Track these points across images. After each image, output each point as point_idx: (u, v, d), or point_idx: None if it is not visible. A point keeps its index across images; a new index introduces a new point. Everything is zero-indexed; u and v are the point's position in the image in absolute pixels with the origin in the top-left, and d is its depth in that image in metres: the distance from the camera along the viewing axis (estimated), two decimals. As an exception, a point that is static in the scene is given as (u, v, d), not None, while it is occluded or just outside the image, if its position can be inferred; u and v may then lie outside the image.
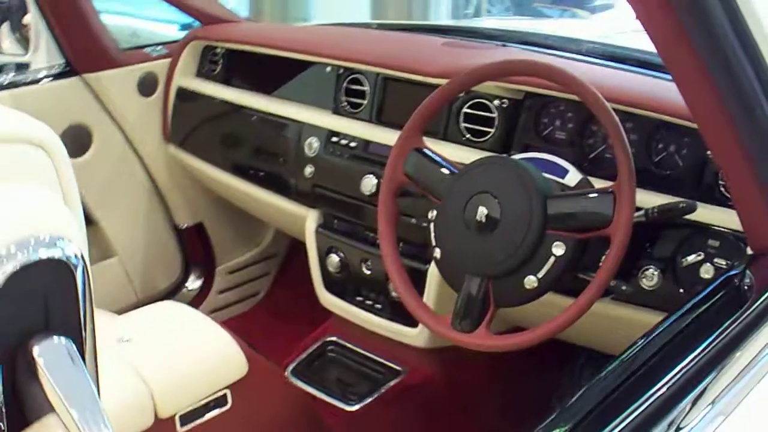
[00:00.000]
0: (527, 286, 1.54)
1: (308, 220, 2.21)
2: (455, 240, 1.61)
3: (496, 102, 1.90)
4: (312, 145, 2.16)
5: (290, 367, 2.23)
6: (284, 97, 2.35)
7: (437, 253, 1.66)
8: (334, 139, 2.13)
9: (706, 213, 1.56)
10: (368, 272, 2.11)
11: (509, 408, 2.28)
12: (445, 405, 2.15)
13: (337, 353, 2.27)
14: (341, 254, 2.15)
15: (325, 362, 2.27)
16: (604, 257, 1.58)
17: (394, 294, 2.04)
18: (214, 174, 2.48)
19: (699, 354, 1.04)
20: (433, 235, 1.67)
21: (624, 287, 1.63)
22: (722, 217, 1.57)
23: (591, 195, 1.53)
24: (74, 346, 0.75)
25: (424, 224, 1.84)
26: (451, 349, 2.07)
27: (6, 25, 2.68)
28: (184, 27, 4.38)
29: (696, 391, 0.99)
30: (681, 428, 0.95)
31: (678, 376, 1.00)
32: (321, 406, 2.08)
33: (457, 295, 1.61)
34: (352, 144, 2.09)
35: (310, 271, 2.27)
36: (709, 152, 1.61)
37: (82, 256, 0.75)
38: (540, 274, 1.52)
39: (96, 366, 0.77)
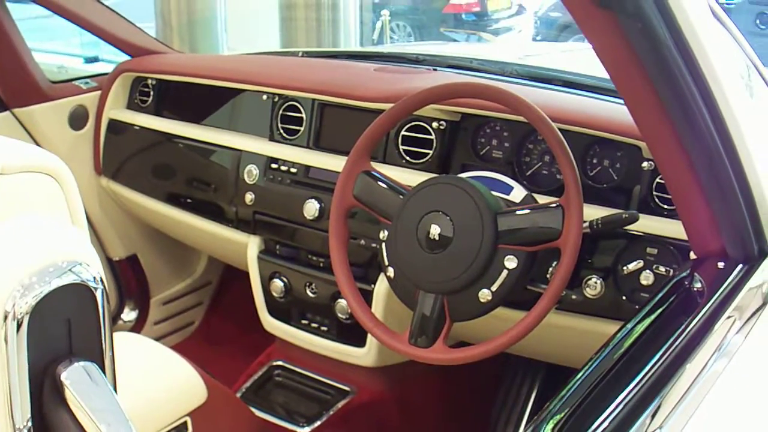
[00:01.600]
0: (482, 300, 1.60)
1: (250, 247, 2.23)
2: (409, 258, 1.66)
3: (435, 124, 1.95)
4: (252, 172, 2.18)
5: (239, 394, 2.24)
6: (217, 126, 2.37)
7: (390, 272, 1.70)
8: (274, 165, 2.16)
9: (643, 223, 1.63)
10: (313, 295, 2.14)
11: (454, 420, 2.34)
12: (393, 422, 2.19)
13: (284, 377, 2.29)
14: (284, 279, 2.18)
15: (273, 386, 2.29)
16: (553, 268, 1.65)
17: (340, 315, 2.08)
18: (148, 204, 2.48)
19: (661, 357, 1.09)
20: (385, 254, 1.71)
21: (574, 296, 1.70)
22: (658, 226, 1.65)
23: (540, 210, 1.59)
24: (98, 368, 0.77)
25: (373, 245, 1.89)
26: (398, 367, 2.12)
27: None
28: (87, 60, 4.34)
29: (663, 393, 1.04)
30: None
31: (646, 378, 1.05)
32: (273, 430, 2.10)
33: (413, 313, 1.65)
34: (293, 170, 2.12)
35: (253, 297, 2.29)
36: (644, 165, 1.70)
37: (101, 279, 0.78)
38: (494, 287, 1.58)
39: (116, 387, 0.79)
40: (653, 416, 1.01)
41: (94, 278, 0.77)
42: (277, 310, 2.24)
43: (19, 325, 0.72)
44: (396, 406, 2.19)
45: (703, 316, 1.18)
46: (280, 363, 2.31)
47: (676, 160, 1.27)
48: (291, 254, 2.19)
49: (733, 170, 1.25)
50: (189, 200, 2.37)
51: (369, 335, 2.05)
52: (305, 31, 5.95)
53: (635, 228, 1.65)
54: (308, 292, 2.14)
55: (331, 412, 2.15)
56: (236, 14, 6.56)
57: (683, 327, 1.15)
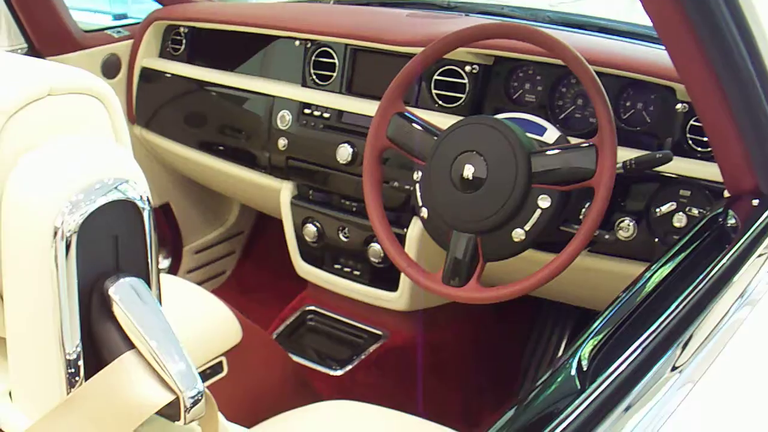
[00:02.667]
0: (515, 239, 1.61)
1: (283, 193, 2.25)
2: (443, 199, 1.66)
3: (467, 68, 1.95)
4: (285, 118, 2.19)
5: (272, 337, 2.27)
6: (250, 73, 2.38)
7: (424, 212, 1.71)
8: (307, 111, 2.16)
9: (676, 165, 1.63)
10: (345, 240, 2.15)
11: (484, 363, 2.36)
12: (425, 365, 2.21)
13: (316, 321, 2.32)
14: (317, 224, 2.19)
15: (306, 331, 2.31)
16: (586, 208, 1.65)
17: (373, 259, 2.10)
18: (182, 152, 2.50)
19: (694, 289, 1.10)
20: (419, 195, 1.72)
21: (607, 236, 1.70)
22: (692, 168, 1.65)
23: (573, 149, 1.59)
24: (145, 284, 0.79)
25: (407, 187, 1.89)
26: (430, 311, 2.14)
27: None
28: (116, 17, 4.34)
29: (695, 325, 1.05)
30: (677, 367, 1.00)
31: (675, 313, 1.06)
32: (306, 373, 2.12)
33: (447, 253, 1.66)
34: (326, 115, 2.13)
35: (285, 246, 2.31)
36: (678, 107, 1.70)
37: (148, 199, 0.79)
38: (527, 227, 1.59)
39: (161, 304, 0.81)
40: (681, 351, 1.01)
41: (141, 197, 0.78)
42: (310, 255, 2.26)
43: (68, 241, 0.74)
44: (428, 349, 2.21)
45: (737, 250, 1.19)
46: (312, 308, 2.33)
47: (713, 99, 1.27)
48: (324, 199, 2.20)
49: None
50: (222, 147, 2.39)
51: (401, 279, 2.07)
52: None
53: (668, 170, 1.65)
54: (341, 236, 2.16)
55: (363, 356, 2.18)
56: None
57: (717, 261, 1.16)
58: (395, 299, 2.10)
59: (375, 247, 2.08)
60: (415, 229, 1.99)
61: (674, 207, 1.66)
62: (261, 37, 2.34)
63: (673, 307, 1.05)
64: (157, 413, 0.75)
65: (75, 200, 0.74)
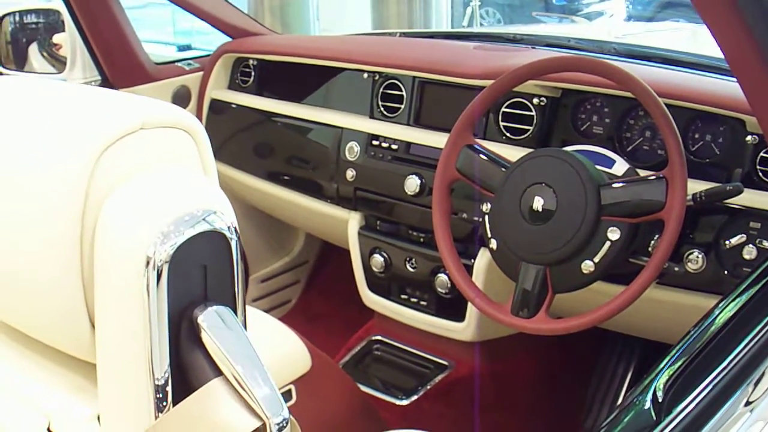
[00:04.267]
0: (584, 271, 1.61)
1: (350, 223, 2.27)
2: (512, 230, 1.67)
3: (535, 100, 1.96)
4: (353, 149, 2.22)
5: (339, 366, 2.28)
6: (317, 104, 2.41)
7: (493, 244, 1.72)
8: (375, 142, 2.19)
9: (746, 197, 1.62)
10: (413, 270, 2.17)
11: (549, 395, 2.35)
12: (490, 397, 2.21)
13: (382, 351, 2.33)
14: (384, 254, 2.21)
15: (372, 360, 2.33)
16: (655, 241, 1.65)
17: (440, 290, 2.11)
18: (250, 182, 2.53)
19: (765, 327, 1.09)
20: (488, 226, 1.73)
21: (676, 268, 1.69)
22: (762, 200, 1.64)
23: (643, 182, 1.59)
24: (232, 312, 0.81)
25: (475, 218, 1.90)
26: (495, 342, 2.14)
27: (34, 45, 2.75)
28: (180, 48, 4.43)
29: (763, 367, 1.04)
30: (750, 403, 0.99)
31: (751, 345, 1.05)
32: (373, 402, 2.14)
33: (516, 284, 1.67)
34: (393, 146, 2.15)
35: (349, 276, 2.33)
36: (748, 138, 1.69)
37: (235, 229, 0.81)
38: (596, 259, 1.59)
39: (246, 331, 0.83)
40: (754, 387, 1.01)
41: (228, 227, 0.81)
42: (376, 285, 2.28)
43: (159, 271, 0.76)
44: (493, 381, 2.21)
45: None
46: (378, 337, 2.35)
47: None
48: (391, 230, 2.22)
49: None
50: (289, 177, 2.42)
51: (468, 310, 2.08)
52: (397, 12, 5.99)
53: (738, 202, 1.64)
54: (408, 267, 2.17)
55: (429, 386, 2.18)
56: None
57: None
58: (462, 329, 2.11)
59: (442, 277, 2.09)
60: (482, 260, 2.00)
61: (744, 239, 1.65)
62: (328, 69, 2.38)
63: (745, 341, 1.05)
64: None
65: (166, 231, 0.77)
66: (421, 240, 2.15)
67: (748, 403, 0.97)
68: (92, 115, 0.83)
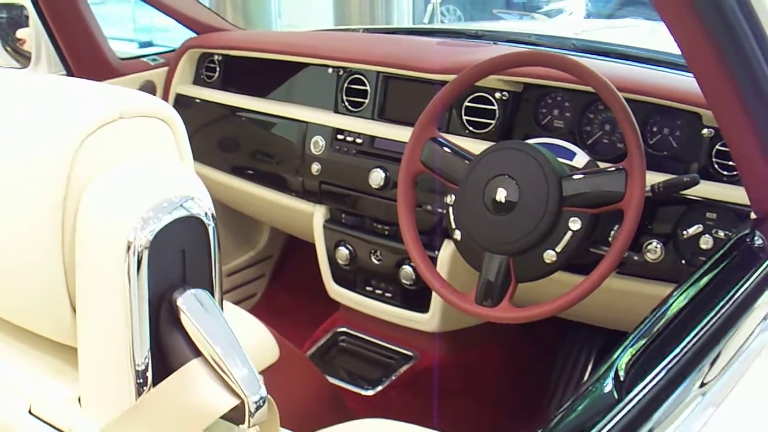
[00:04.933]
0: (546, 261, 1.65)
1: (316, 217, 2.30)
2: (476, 221, 1.71)
3: (497, 95, 2.00)
4: (318, 143, 2.24)
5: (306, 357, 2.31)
6: (282, 99, 2.44)
7: (457, 235, 1.76)
8: (340, 136, 2.22)
9: (702, 188, 1.68)
10: (377, 262, 2.20)
11: (514, 383, 2.39)
12: (455, 386, 2.25)
13: (348, 343, 2.36)
14: (350, 247, 2.24)
15: (338, 352, 2.36)
16: (615, 231, 1.69)
17: (405, 281, 2.14)
18: (215, 177, 2.55)
19: (721, 309, 1.14)
20: (452, 218, 1.77)
21: (635, 258, 1.74)
22: (718, 191, 1.70)
23: (603, 173, 1.64)
24: (210, 295, 0.84)
25: (439, 209, 1.94)
26: (460, 333, 2.18)
27: (-3, 41, 2.75)
28: (142, 45, 4.44)
29: (722, 344, 1.09)
30: (705, 383, 1.04)
31: (707, 329, 1.10)
32: (339, 392, 2.17)
33: (480, 274, 1.71)
34: (358, 140, 2.18)
35: (313, 269, 2.36)
36: (704, 132, 1.74)
37: (213, 215, 0.84)
38: (558, 248, 1.63)
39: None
40: (709, 368, 1.05)
41: (206, 213, 0.83)
42: (342, 277, 2.31)
43: (139, 255, 0.79)
44: (458, 370, 2.25)
45: (764, 270, 1.23)
46: (344, 329, 2.38)
47: (741, 124, 1.31)
48: (356, 223, 2.25)
49: None
50: (255, 172, 2.44)
51: (432, 301, 2.12)
52: (359, 9, 6.02)
53: (695, 193, 1.69)
54: (373, 259, 2.21)
55: (394, 377, 2.22)
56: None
57: (745, 281, 1.20)
58: (426, 320, 2.14)
59: (407, 269, 2.12)
60: (446, 251, 2.03)
61: (701, 229, 1.70)
62: (293, 65, 2.40)
63: (701, 325, 1.09)
64: (221, 417, 0.80)
65: (146, 217, 0.79)
66: (386, 232, 2.18)
67: (702, 384, 1.01)
68: (72, 105, 0.85)
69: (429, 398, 2.19)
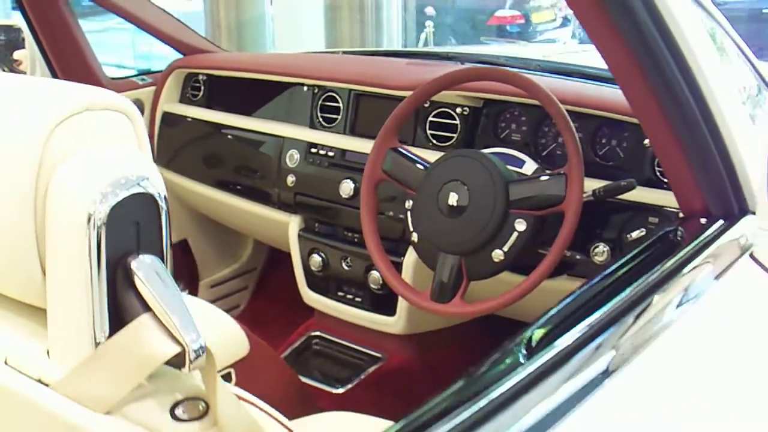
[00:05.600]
0: (495, 260, 1.78)
1: (291, 226, 2.43)
2: (430, 224, 1.85)
3: (458, 110, 2.14)
4: (293, 156, 2.38)
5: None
6: (262, 116, 2.58)
7: (414, 237, 1.89)
8: (313, 150, 2.36)
9: (645, 194, 1.81)
10: (348, 269, 2.33)
11: None
12: (421, 387, 2.36)
13: (321, 345, 2.48)
14: (322, 254, 2.37)
15: (311, 354, 2.48)
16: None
17: (373, 286, 2.27)
18: (199, 190, 2.69)
19: (637, 287, 1.25)
20: (410, 221, 1.90)
21: (578, 256, 1.87)
22: (659, 197, 1.82)
23: (546, 178, 1.77)
24: (161, 262, 0.97)
25: (401, 215, 2.07)
26: (426, 336, 2.31)
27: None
28: (140, 72, 4.62)
29: (628, 318, 1.21)
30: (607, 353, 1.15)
31: (621, 302, 1.20)
32: (311, 391, 2.29)
33: (434, 273, 1.84)
34: (330, 153, 2.32)
35: (295, 282, 2.48)
36: (646, 142, 1.87)
37: (164, 196, 0.98)
38: (505, 248, 1.76)
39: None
40: (613, 342, 1.16)
41: (158, 193, 0.97)
42: (315, 284, 2.43)
43: (99, 226, 0.92)
44: (424, 372, 2.36)
45: (679, 258, 1.35)
46: (318, 333, 2.50)
47: (663, 133, 1.44)
48: (328, 231, 2.38)
49: (712, 139, 1.42)
50: (236, 185, 2.57)
51: (399, 305, 2.24)
52: (349, 32, 6.18)
53: (638, 199, 1.82)
54: (344, 265, 2.34)
55: (363, 376, 2.34)
56: (283, 16, 6.82)
57: (661, 266, 1.32)
58: (393, 323, 2.27)
59: (374, 274, 2.25)
60: (410, 257, 2.16)
61: (644, 233, 1.82)
62: (272, 84, 2.54)
63: (612, 302, 1.21)
64: (167, 363, 0.93)
65: (105, 192, 0.93)
66: (355, 240, 2.31)
67: (604, 353, 1.13)
68: (45, 98, 0.99)
69: (395, 396, 2.31)
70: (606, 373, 1.10)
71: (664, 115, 1.41)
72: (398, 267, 2.16)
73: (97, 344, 0.95)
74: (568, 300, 1.26)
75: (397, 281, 1.92)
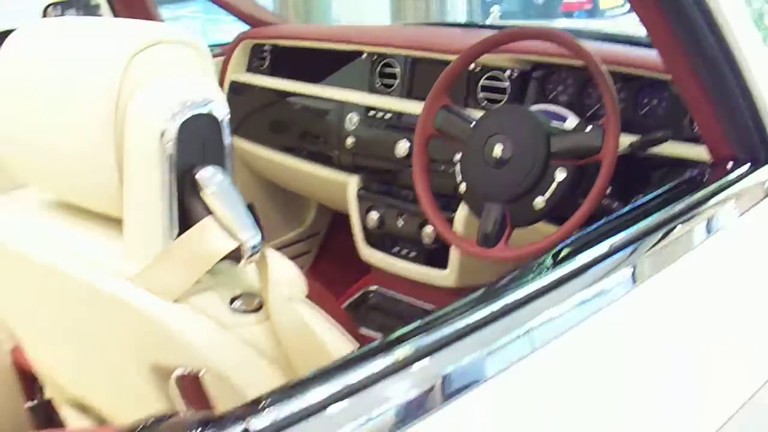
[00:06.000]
0: (536, 207, 1.90)
1: (350, 186, 2.57)
2: (477, 175, 1.97)
3: (508, 72, 2.26)
4: (352, 119, 2.52)
5: (339, 309, 2.57)
6: (324, 83, 2.73)
7: (462, 187, 2.02)
8: (371, 113, 2.50)
9: (682, 149, 1.91)
10: (402, 225, 2.46)
11: None
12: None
13: (377, 299, 2.62)
14: (379, 212, 2.51)
15: (367, 307, 2.62)
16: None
17: (426, 241, 2.40)
18: (266, 155, 2.83)
19: (654, 216, 1.35)
20: (459, 172, 2.03)
21: (615, 204, 1.97)
22: (696, 152, 1.92)
23: (584, 130, 1.88)
24: (223, 171, 1.11)
25: (451, 170, 2.19)
26: (476, 289, 2.42)
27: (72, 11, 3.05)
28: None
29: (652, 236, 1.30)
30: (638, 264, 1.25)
31: (641, 227, 1.30)
32: (365, 340, 2.42)
33: (480, 220, 1.96)
34: (387, 116, 2.46)
35: (353, 234, 2.62)
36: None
37: (227, 118, 1.12)
38: (546, 195, 1.88)
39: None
40: (639, 256, 1.26)
41: (221, 114, 1.11)
42: (372, 240, 2.57)
43: (170, 141, 1.07)
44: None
45: (704, 195, 1.45)
46: (374, 288, 2.64)
47: (693, 83, 1.54)
48: (384, 190, 2.52)
49: (739, 88, 1.52)
50: (300, 149, 2.72)
51: (450, 259, 2.36)
52: (414, 12, 6.28)
53: (675, 153, 1.92)
54: (399, 222, 2.47)
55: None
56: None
57: (684, 198, 1.42)
58: (445, 276, 2.39)
59: (427, 229, 2.38)
60: (461, 212, 2.27)
61: None
62: (334, 53, 2.69)
63: (639, 224, 1.31)
64: (226, 257, 1.08)
65: (175, 112, 1.07)
66: (410, 198, 2.43)
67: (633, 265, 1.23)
68: (123, 33, 1.14)
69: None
70: (624, 285, 1.21)
71: (692, 67, 1.52)
72: (450, 222, 2.28)
73: (167, 244, 1.10)
74: (597, 224, 1.37)
75: (446, 229, 2.04)
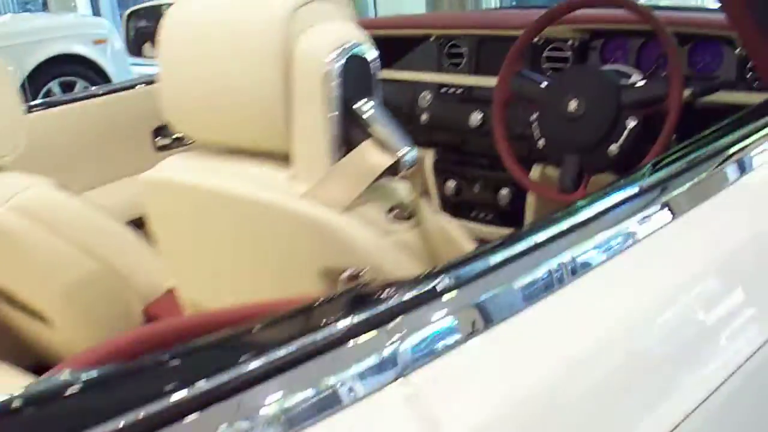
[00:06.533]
0: (611, 154, 2.10)
1: (426, 159, 2.79)
2: (555, 130, 2.19)
3: (570, 42, 2.48)
4: (426, 97, 2.74)
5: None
6: (398, 67, 2.94)
7: (541, 142, 2.23)
8: (443, 90, 2.72)
9: (743, 96, 2.11)
10: (479, 190, 2.68)
11: None
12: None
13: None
14: (456, 180, 2.72)
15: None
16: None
17: (501, 203, 2.61)
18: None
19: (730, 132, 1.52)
20: (537, 129, 2.24)
21: None
22: (751, 97, 2.12)
23: (650, 82, 2.09)
24: (372, 98, 1.33)
25: (527, 132, 2.40)
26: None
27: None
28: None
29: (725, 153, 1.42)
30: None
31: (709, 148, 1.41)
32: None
33: (560, 170, 2.18)
34: (459, 91, 2.68)
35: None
36: (736, 51, 2.17)
37: (377, 59, 1.34)
38: (620, 142, 2.09)
39: None
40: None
41: (370, 56, 1.34)
42: (450, 207, 2.77)
43: (333, 79, 1.29)
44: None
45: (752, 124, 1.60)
46: None
47: (755, 38, 1.74)
48: (459, 159, 2.73)
49: None
50: None
51: (525, 218, 2.57)
52: (449, 3, 6.49)
53: (732, 101, 2.12)
54: (475, 188, 2.68)
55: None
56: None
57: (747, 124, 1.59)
58: None
59: (502, 192, 2.59)
60: (535, 172, 2.49)
61: None
62: (403, 39, 2.91)
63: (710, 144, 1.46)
64: (386, 172, 1.30)
65: (335, 53, 1.29)
66: (485, 165, 2.65)
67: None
68: None
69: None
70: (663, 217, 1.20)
71: (756, 25, 1.71)
72: None
73: (331, 166, 1.32)
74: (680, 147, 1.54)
75: (526, 179, 2.26)
